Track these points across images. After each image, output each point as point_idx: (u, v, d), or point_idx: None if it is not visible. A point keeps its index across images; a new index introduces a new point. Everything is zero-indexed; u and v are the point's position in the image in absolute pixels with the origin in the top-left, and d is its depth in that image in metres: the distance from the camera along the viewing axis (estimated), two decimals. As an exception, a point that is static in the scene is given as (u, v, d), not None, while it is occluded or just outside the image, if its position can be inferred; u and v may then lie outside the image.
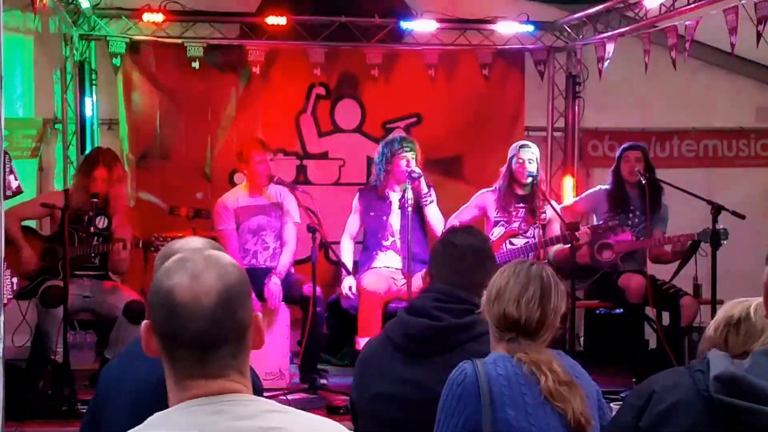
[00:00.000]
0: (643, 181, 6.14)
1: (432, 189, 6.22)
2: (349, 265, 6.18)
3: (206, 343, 1.54)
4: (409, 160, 6.05)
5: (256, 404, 1.56)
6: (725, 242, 5.87)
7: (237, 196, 6.30)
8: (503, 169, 6.29)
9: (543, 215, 6.23)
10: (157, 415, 1.56)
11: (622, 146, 6.56)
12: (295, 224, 6.23)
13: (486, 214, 6.33)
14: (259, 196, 6.26)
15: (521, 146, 6.23)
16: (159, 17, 6.84)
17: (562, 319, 2.53)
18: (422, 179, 6.07)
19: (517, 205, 6.24)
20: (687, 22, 6.17)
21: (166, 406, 1.62)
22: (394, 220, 6.19)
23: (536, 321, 2.45)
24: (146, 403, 2.25)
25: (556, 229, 6.23)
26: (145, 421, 1.55)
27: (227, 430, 1.50)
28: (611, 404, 2.81)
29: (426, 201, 6.13)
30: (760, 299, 2.05)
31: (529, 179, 6.11)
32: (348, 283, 6.09)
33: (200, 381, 1.55)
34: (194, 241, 2.58)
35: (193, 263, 1.58)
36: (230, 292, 1.56)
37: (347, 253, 6.28)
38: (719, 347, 2.00)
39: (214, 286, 1.55)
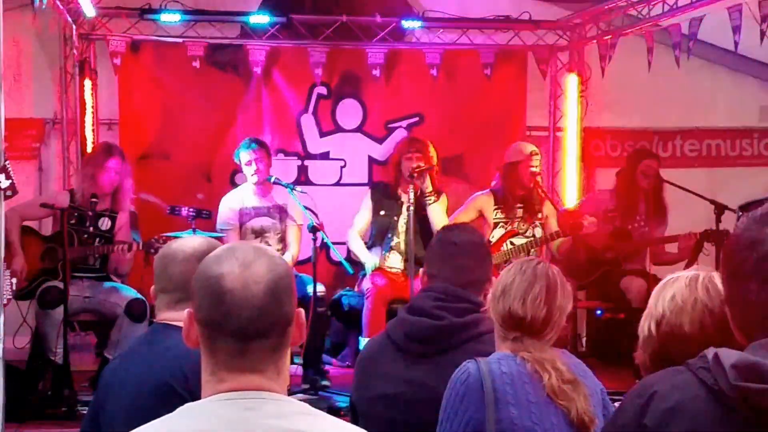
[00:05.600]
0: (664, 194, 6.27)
1: (442, 194, 6.19)
2: (363, 256, 6.15)
3: (251, 333, 1.53)
4: (408, 161, 6.03)
5: (289, 405, 1.55)
6: None
7: (241, 197, 6.28)
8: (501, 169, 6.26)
9: (539, 214, 6.22)
10: (188, 405, 1.54)
11: (637, 151, 6.56)
12: (298, 226, 6.21)
13: (483, 216, 6.29)
14: (262, 197, 6.24)
15: (532, 152, 6.16)
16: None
17: (567, 319, 2.51)
18: (427, 179, 6.03)
19: (516, 206, 6.23)
20: (690, 21, 6.15)
21: (167, 406, 1.60)
22: (402, 220, 6.17)
23: (542, 319, 2.43)
24: (147, 403, 2.26)
25: (554, 225, 6.21)
26: (177, 410, 1.54)
27: (257, 428, 1.49)
28: (615, 404, 2.77)
29: (428, 201, 6.09)
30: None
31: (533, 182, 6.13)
32: (371, 264, 6.07)
33: (237, 374, 1.54)
34: (193, 241, 2.57)
35: (243, 252, 1.58)
36: (279, 284, 1.56)
37: (357, 245, 6.24)
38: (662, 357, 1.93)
39: (264, 276, 1.55)
